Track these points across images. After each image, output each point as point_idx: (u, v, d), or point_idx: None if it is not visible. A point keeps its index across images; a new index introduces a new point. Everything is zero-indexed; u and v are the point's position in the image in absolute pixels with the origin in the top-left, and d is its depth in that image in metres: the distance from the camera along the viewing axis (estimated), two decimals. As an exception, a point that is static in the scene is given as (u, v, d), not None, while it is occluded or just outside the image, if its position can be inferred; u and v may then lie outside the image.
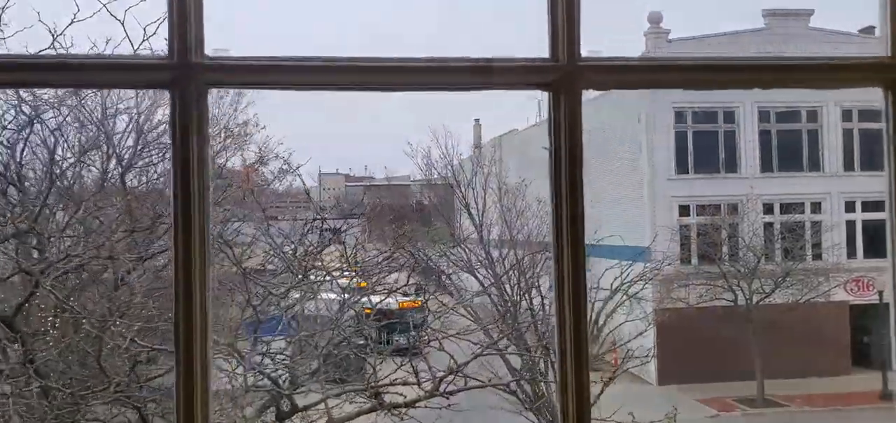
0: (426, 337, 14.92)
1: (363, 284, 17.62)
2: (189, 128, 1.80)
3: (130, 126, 11.80)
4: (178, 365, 1.80)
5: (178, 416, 1.79)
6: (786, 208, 30.24)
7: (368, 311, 16.47)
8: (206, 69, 1.81)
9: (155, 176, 12.89)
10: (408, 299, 18.19)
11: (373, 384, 10.03)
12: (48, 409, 8.50)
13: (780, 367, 25.68)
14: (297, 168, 15.05)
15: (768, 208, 30.07)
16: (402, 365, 10.17)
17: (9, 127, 10.15)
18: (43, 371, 8.57)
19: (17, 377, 8.52)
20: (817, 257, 29.30)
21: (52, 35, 9.89)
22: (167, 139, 13.60)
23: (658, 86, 2.13)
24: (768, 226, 29.52)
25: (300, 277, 12.46)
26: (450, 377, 9.44)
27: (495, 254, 19.71)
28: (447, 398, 9.34)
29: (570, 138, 1.90)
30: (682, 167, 30.64)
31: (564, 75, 1.91)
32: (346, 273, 15.43)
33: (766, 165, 30.85)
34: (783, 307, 26.03)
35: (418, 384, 9.44)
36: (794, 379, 25.93)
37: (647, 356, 21.34)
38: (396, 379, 9.64)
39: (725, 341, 26.40)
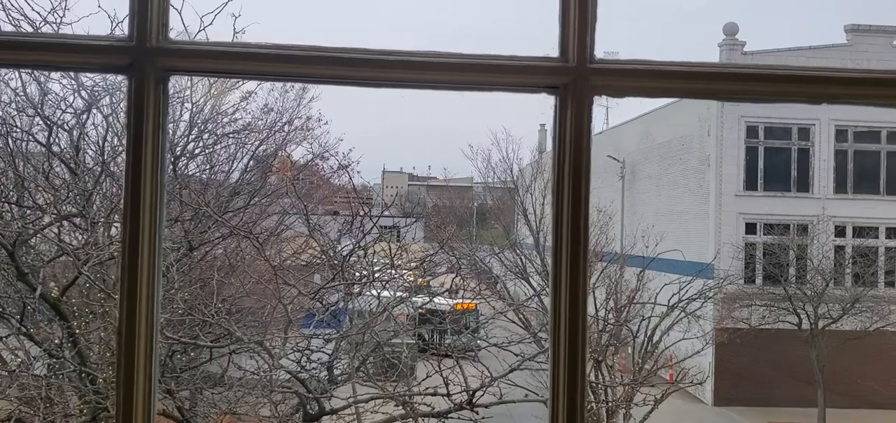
0: (483, 341, 14.68)
1: (424, 282, 17.45)
2: (143, 118, 1.61)
3: (181, 112, 11.80)
4: (119, 376, 1.62)
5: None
6: (859, 232, 29.14)
7: (422, 311, 16.28)
8: (165, 54, 1.61)
9: (206, 166, 12.94)
10: (463, 300, 17.94)
11: (408, 390, 9.81)
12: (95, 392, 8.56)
13: (845, 396, 24.75)
14: (357, 163, 14.80)
15: (840, 231, 29.05)
16: (442, 368, 9.88)
17: (67, 111, 10.23)
18: (84, 354, 8.63)
19: (58, 357, 8.61)
20: (890, 284, 28.13)
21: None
22: (225, 129, 13.66)
23: (687, 95, 1.86)
24: (839, 249, 28.50)
25: (359, 275, 12.30)
26: (480, 391, 9.17)
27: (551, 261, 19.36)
28: (476, 413, 9.06)
29: (576, 150, 1.65)
30: (751, 183, 29.75)
31: (574, 79, 1.66)
32: (400, 272, 15.27)
33: (840, 186, 29.77)
34: (851, 334, 25.06)
35: (448, 395, 9.18)
36: (859, 410, 24.96)
37: (704, 375, 20.76)
38: (428, 388, 9.40)
39: (787, 366, 25.53)
